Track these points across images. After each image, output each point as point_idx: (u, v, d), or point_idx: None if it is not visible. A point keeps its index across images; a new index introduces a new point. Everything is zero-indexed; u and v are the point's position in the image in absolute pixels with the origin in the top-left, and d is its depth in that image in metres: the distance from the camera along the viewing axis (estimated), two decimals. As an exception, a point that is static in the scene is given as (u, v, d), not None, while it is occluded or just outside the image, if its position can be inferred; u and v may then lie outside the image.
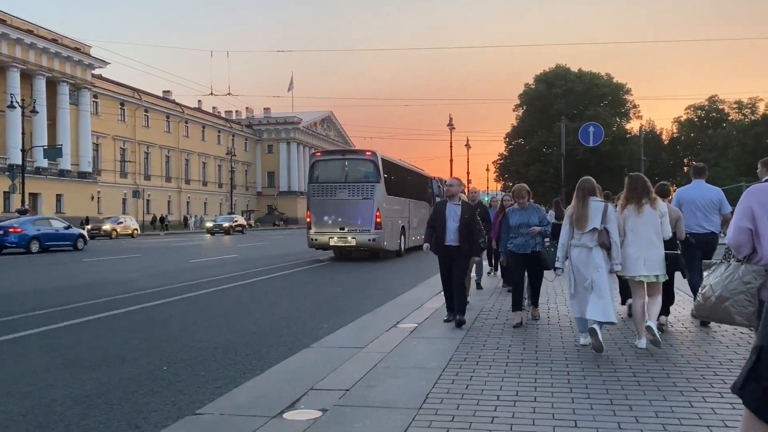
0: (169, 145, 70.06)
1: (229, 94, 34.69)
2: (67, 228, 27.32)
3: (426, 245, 7.47)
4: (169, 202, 69.77)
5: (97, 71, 57.36)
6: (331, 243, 17.77)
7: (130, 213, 58.18)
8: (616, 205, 6.03)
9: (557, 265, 6.18)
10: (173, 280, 13.27)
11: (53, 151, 40.55)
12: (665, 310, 6.64)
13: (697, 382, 4.66)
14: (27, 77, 47.95)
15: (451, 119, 47.61)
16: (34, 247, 24.55)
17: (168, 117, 70.03)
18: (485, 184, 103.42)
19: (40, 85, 48.70)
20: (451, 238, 7.06)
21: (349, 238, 17.57)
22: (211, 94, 38.29)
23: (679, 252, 6.34)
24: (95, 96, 57.67)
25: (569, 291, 6.08)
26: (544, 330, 6.85)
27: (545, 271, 7.56)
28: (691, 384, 4.61)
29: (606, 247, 5.71)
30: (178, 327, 8.06)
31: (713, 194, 7.04)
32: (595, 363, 5.29)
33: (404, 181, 21.56)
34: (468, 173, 57.62)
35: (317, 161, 18.37)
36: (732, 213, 7.34)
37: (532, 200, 7.51)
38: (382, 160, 18.25)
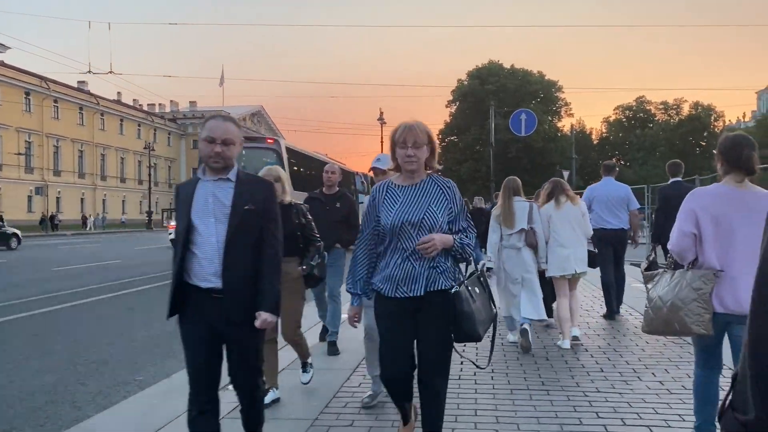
0: (83, 138, 65.19)
1: (111, 72, 30.81)
2: None
3: None
4: (82, 199, 64.94)
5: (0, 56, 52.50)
6: None
7: (35, 212, 53.58)
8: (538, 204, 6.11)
9: (489, 265, 5.90)
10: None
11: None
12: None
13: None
14: None
15: (381, 114, 45.73)
16: None
17: (81, 108, 65.15)
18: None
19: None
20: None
21: None
22: (89, 72, 33.76)
23: (596, 250, 6.58)
24: (-6, 84, 52.70)
25: (497, 290, 5.69)
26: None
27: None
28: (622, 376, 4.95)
29: (533, 246, 5.76)
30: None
31: (621, 191, 7.30)
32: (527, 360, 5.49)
33: (317, 176, 19.25)
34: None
35: None
36: (639, 210, 7.47)
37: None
38: (288, 149, 16.00)
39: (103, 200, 67.68)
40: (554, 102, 57.83)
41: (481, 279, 3.28)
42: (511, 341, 5.94)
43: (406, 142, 2.95)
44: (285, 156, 15.41)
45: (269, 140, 15.48)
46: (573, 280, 5.98)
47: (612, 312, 7.17)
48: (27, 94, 56.96)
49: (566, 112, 59.29)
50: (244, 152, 15.96)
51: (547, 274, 5.92)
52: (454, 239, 2.99)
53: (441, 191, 3.06)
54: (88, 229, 53.55)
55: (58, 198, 60.73)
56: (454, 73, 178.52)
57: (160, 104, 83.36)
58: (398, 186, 3.09)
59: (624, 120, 74.56)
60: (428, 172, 3.13)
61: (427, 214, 2.99)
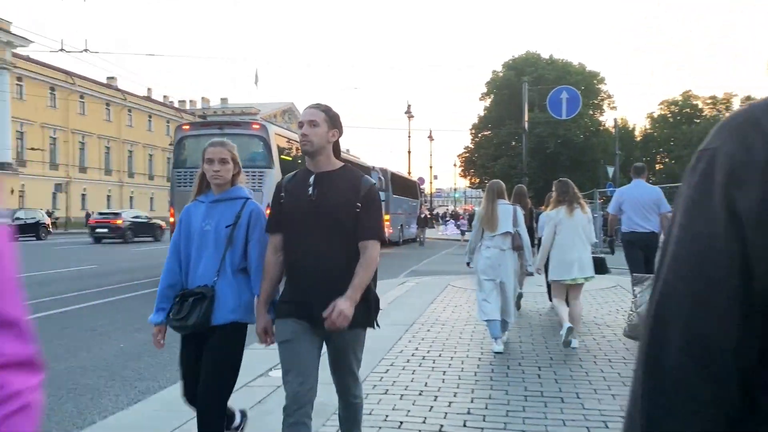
0: (110, 134, 64.41)
1: (85, 50, 28.32)
2: None
3: None
4: (108, 196, 64.14)
5: (22, 51, 51.72)
6: None
7: (60, 208, 52.73)
8: (545, 207, 6.93)
9: (466, 259, 6.37)
10: None
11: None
12: None
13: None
14: (-69, 54, 42.34)
15: (409, 107, 43.30)
16: None
17: (108, 104, 64.36)
18: (453, 180, 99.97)
19: (-54, 62, 43.03)
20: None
21: None
22: (61, 50, 31.22)
23: (603, 256, 7.59)
24: (19, 79, 52.00)
25: (477, 293, 5.93)
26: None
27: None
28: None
29: (519, 249, 5.87)
30: None
31: (653, 194, 7.21)
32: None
33: None
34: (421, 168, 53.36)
35: (185, 137, 13.39)
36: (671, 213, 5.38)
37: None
38: (278, 136, 13.62)
39: (131, 197, 66.76)
40: (596, 94, 54.31)
41: None
42: (496, 351, 5.75)
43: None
44: (273, 144, 13.04)
45: (254, 125, 13.08)
46: (576, 286, 6.01)
47: None
48: (52, 89, 56.24)
49: (609, 105, 55.65)
50: (225, 139, 13.68)
51: (548, 278, 6.17)
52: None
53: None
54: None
55: (83, 195, 60.00)
56: (489, 64, 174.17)
57: (191, 101, 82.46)
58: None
59: (669, 115, 71.13)
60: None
61: None
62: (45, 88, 55.13)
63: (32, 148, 51.80)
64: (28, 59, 53.57)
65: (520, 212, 6.00)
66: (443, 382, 4.85)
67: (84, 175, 60.41)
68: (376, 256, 2.75)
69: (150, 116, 71.11)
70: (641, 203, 7.07)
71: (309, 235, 2.74)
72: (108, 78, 65.50)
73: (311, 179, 2.87)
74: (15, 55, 50.57)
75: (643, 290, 3.61)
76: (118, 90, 65.54)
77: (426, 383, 4.79)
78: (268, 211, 3.08)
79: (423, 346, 5.88)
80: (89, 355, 6.06)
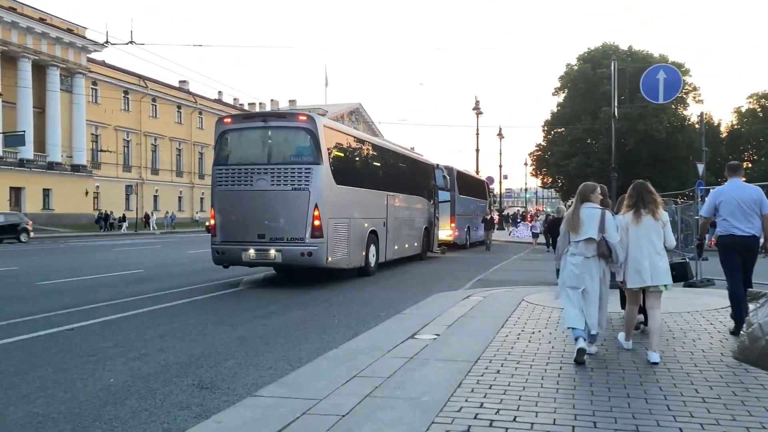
0: (181, 137, 65.48)
1: (131, 42, 27.15)
2: None
3: None
4: (180, 198, 65.24)
5: (97, 56, 53.09)
6: (245, 258, 11.78)
7: (133, 209, 53.72)
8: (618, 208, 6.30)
9: (555, 265, 6.28)
10: None
11: (14, 138, 35.68)
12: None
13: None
14: (11, 60, 43.73)
15: (477, 103, 41.39)
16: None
17: (179, 107, 65.47)
18: (523, 179, 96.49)
19: (25, 68, 44.33)
20: None
21: (272, 251, 11.56)
22: (107, 42, 30.23)
23: (686, 260, 6.96)
24: (94, 83, 53.37)
25: (563, 301, 5.68)
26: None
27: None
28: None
29: (605, 257, 5.53)
30: None
31: (753, 193, 6.56)
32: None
33: (374, 166, 15.39)
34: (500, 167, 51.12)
35: (226, 131, 12.19)
36: None
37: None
38: (328, 129, 12.21)
39: (201, 198, 67.67)
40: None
41: None
42: (590, 352, 5.52)
43: None
44: (322, 138, 11.65)
45: (301, 117, 11.75)
46: (653, 293, 5.66)
47: (740, 328, 5.95)
48: (125, 92, 57.51)
49: (694, 98, 51.61)
50: (269, 134, 12.46)
51: (623, 286, 5.92)
52: None
53: None
54: (151, 228, 50.70)
55: (155, 196, 61.15)
56: (563, 57, 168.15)
57: (260, 103, 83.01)
58: None
59: (759, 110, 65.84)
60: None
61: None
62: (119, 91, 56.40)
63: (102, 150, 52.90)
64: (103, 64, 54.97)
65: (610, 216, 5.61)
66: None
67: (156, 177, 61.57)
68: None
69: (220, 118, 71.80)
70: (741, 204, 6.46)
71: None
72: (180, 81, 66.65)
73: None
74: (90, 60, 51.88)
75: (757, 309, 3.31)
76: (190, 93, 66.54)
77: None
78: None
79: (491, 401, 4.27)
80: (66, 396, 4.83)
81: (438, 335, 6.55)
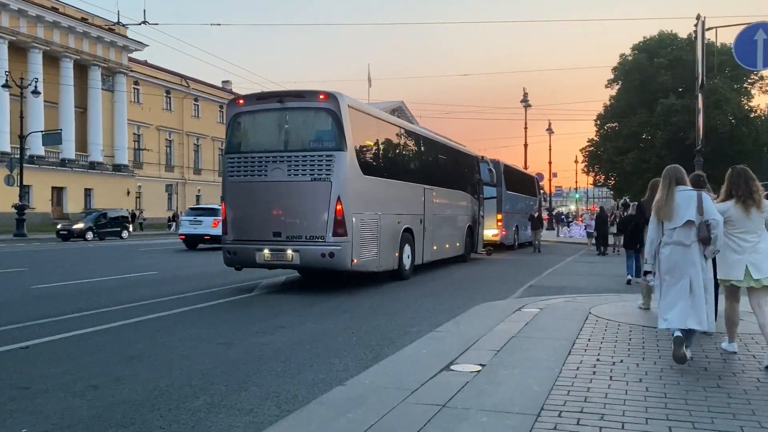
0: (223, 137, 64.87)
1: (144, 22, 26.01)
2: None
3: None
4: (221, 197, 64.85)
5: (140, 56, 53.03)
6: (258, 260, 10.30)
7: (173, 209, 53.43)
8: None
9: (646, 268, 5.51)
10: None
11: (51, 137, 35.33)
12: None
13: None
14: (53, 60, 43.77)
15: (525, 95, 39.27)
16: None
17: (221, 107, 65.03)
18: (573, 177, 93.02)
19: (67, 67, 44.35)
20: None
21: (289, 252, 10.05)
22: (118, 23, 29.25)
23: None
24: (136, 83, 53.30)
25: (657, 298, 5.25)
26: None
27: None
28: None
29: (707, 242, 4.97)
30: None
31: None
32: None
33: (410, 155, 13.69)
34: (550, 164, 48.70)
35: (239, 113, 10.80)
36: None
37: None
38: (353, 110, 10.59)
39: (243, 198, 67.19)
40: (745, 76, 47.11)
41: None
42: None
43: None
44: (347, 120, 10.05)
45: (321, 95, 10.16)
46: (757, 291, 5.09)
47: None
48: (167, 92, 57.36)
49: (761, 89, 48.04)
50: (287, 116, 10.88)
51: (717, 278, 5.41)
52: None
53: None
54: (172, 230, 44.32)
55: (197, 195, 60.86)
56: (616, 48, 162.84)
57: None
58: None
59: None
60: None
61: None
62: (161, 91, 56.28)
63: (143, 149, 52.76)
64: (145, 64, 54.91)
65: (709, 199, 5.12)
66: None
67: (198, 177, 61.31)
68: None
69: (262, 118, 71.32)
70: None
71: None
72: (223, 81, 66.38)
73: None
74: (131, 60, 51.79)
75: None
76: (232, 93, 66.13)
77: None
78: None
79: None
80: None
81: (482, 366, 4.87)
